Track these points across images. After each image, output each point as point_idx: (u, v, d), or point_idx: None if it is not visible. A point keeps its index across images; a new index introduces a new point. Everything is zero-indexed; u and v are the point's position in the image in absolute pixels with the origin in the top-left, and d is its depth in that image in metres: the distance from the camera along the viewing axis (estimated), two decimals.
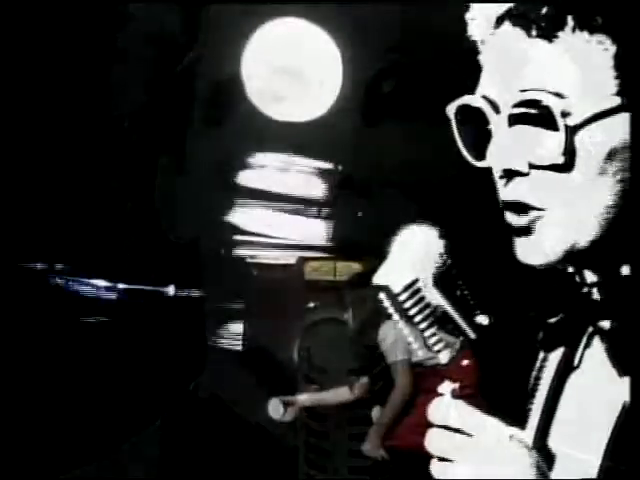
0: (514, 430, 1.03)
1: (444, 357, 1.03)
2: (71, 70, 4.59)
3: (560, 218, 1.06)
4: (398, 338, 4.05)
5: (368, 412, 4.53)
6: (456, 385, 1.03)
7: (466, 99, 1.11)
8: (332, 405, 4.71)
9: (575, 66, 1.05)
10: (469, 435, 1.02)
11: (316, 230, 5.42)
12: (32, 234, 5.00)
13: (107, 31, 4.45)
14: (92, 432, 4.68)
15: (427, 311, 1.02)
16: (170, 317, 5.25)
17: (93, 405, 4.77)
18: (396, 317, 1.03)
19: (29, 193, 4.92)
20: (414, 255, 1.03)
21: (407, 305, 1.02)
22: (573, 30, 1.05)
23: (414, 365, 4.09)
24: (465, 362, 1.03)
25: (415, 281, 1.02)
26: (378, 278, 1.03)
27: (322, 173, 5.29)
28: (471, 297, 1.04)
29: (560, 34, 1.05)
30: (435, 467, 1.04)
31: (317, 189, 5.27)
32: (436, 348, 1.03)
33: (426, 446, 1.03)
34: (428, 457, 1.05)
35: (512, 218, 1.09)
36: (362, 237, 5.06)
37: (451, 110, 1.12)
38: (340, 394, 4.69)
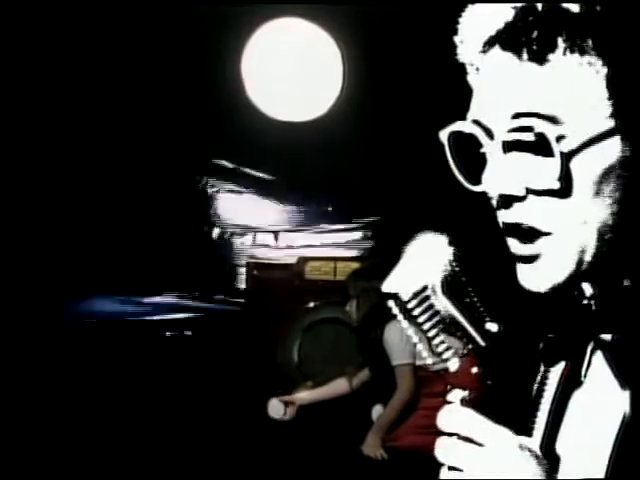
0: (524, 439, 1.02)
1: (452, 365, 1.02)
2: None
3: (562, 244, 1.05)
4: (404, 341, 4.02)
5: (368, 411, 4.52)
6: (465, 393, 1.02)
7: (458, 125, 1.09)
8: (331, 399, 4.70)
9: (567, 89, 1.03)
10: (479, 444, 1.01)
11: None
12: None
13: (109, 32, 4.44)
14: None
15: (436, 318, 1.02)
16: None
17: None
18: (405, 324, 1.02)
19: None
20: (423, 262, 1.02)
21: (416, 312, 1.02)
22: (564, 53, 1.03)
23: (418, 368, 4.07)
24: (474, 369, 1.03)
25: (424, 288, 1.02)
26: (387, 285, 1.02)
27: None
28: (480, 304, 1.03)
29: (551, 57, 1.03)
30: (445, 476, 1.03)
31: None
32: (444, 356, 1.02)
33: (436, 454, 1.02)
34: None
35: (515, 247, 1.08)
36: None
37: (444, 136, 1.10)
38: (338, 386, 4.67)
